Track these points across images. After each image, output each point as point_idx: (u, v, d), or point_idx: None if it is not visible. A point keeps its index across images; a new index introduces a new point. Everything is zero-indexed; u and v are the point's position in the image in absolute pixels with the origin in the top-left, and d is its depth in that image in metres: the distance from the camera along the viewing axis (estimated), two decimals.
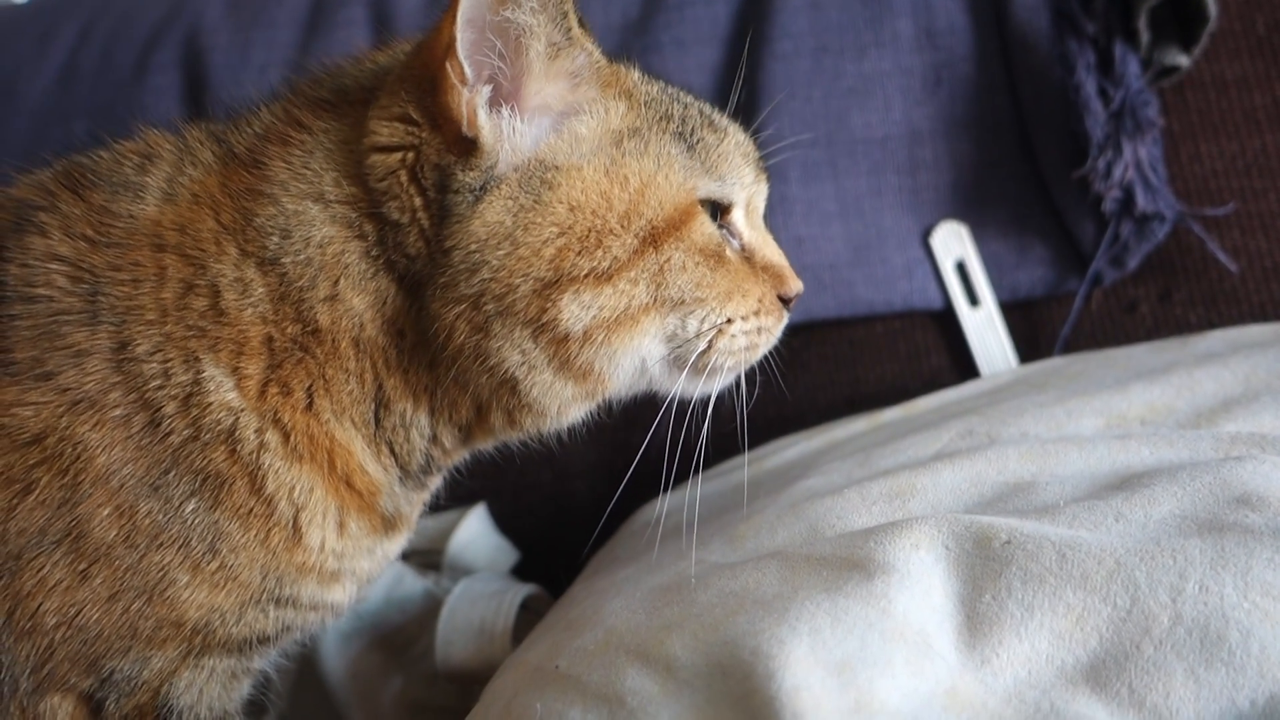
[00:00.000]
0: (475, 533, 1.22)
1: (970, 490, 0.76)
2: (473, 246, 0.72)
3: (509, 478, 1.30)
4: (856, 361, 1.23)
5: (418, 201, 0.73)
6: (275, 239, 0.74)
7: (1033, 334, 1.19)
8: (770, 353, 0.86)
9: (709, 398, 0.81)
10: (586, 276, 0.72)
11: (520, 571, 1.27)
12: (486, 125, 0.72)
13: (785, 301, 0.84)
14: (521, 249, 0.72)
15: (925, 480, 0.77)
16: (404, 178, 0.74)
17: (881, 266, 1.20)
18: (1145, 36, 1.11)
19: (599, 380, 0.77)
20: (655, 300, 0.75)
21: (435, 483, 0.89)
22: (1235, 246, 1.13)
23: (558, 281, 0.72)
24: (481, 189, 0.72)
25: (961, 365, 1.20)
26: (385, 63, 0.82)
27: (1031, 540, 0.61)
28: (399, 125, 0.74)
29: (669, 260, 0.75)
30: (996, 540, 0.62)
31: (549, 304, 0.72)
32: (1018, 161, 1.19)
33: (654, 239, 0.74)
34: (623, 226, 0.73)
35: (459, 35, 0.70)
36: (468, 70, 0.71)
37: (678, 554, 0.81)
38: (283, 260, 0.74)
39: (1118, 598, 0.57)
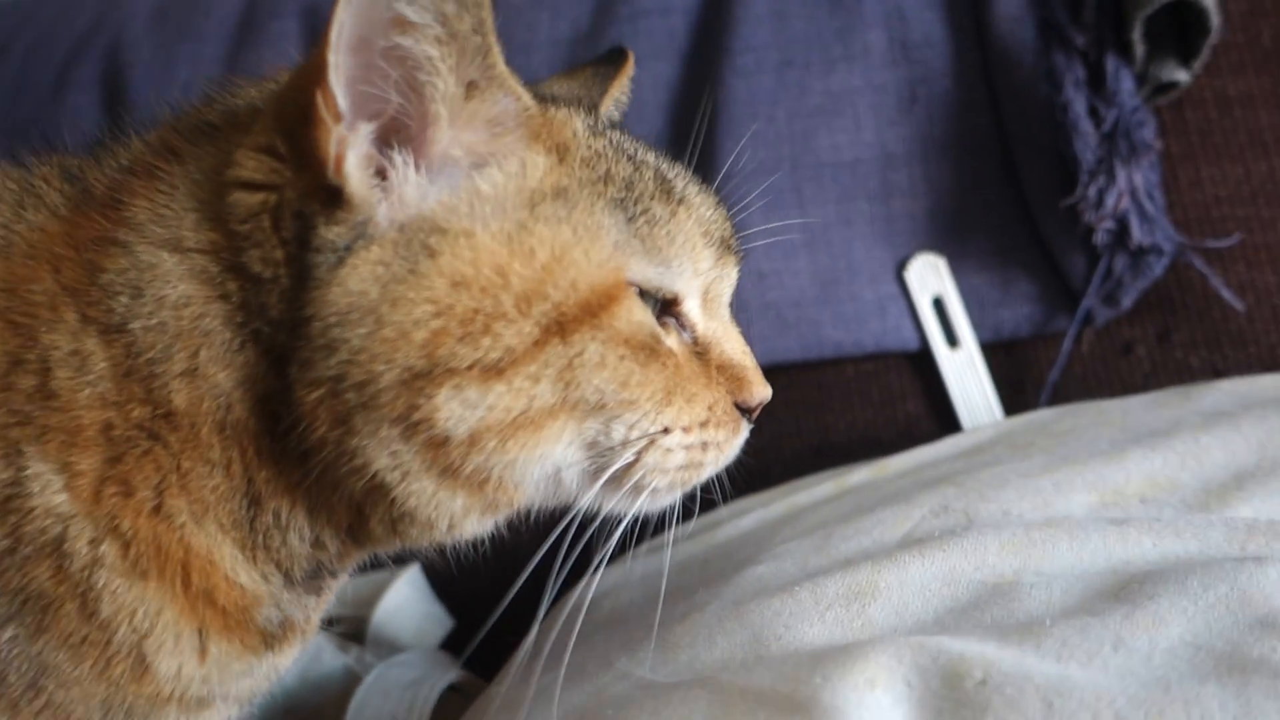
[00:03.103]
0: (404, 600, 1.11)
1: (942, 591, 0.64)
2: (331, 319, 0.59)
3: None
4: (825, 408, 1.13)
5: (279, 254, 0.61)
6: (124, 299, 0.61)
7: (1018, 378, 1.09)
8: None
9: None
10: (470, 369, 0.59)
11: (462, 639, 1.15)
12: (355, 174, 0.59)
13: (746, 411, 0.71)
14: (387, 329, 0.59)
15: (890, 577, 0.66)
16: (266, 223, 0.61)
17: (851, 304, 1.10)
18: (1140, 49, 1.01)
19: (500, 489, 0.63)
20: (565, 402, 0.61)
21: (337, 585, 0.76)
22: (1241, 282, 1.03)
23: (431, 373, 0.59)
24: (347, 249, 0.60)
25: (939, 411, 1.10)
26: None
27: (1012, 681, 0.50)
28: (265, 158, 0.61)
29: (581, 354, 0.61)
30: (969, 679, 0.51)
31: (421, 399, 0.59)
32: (1001, 188, 1.09)
33: (561, 327, 0.61)
34: (519, 311, 0.60)
35: (332, 59, 0.57)
36: (342, 103, 0.58)
37: (603, 660, 0.69)
38: (131, 326, 0.61)
39: None
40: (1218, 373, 1.03)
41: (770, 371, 1.13)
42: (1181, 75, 1.03)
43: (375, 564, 1.18)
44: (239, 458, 0.63)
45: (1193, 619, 0.54)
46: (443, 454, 0.60)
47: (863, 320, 1.10)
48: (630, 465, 0.64)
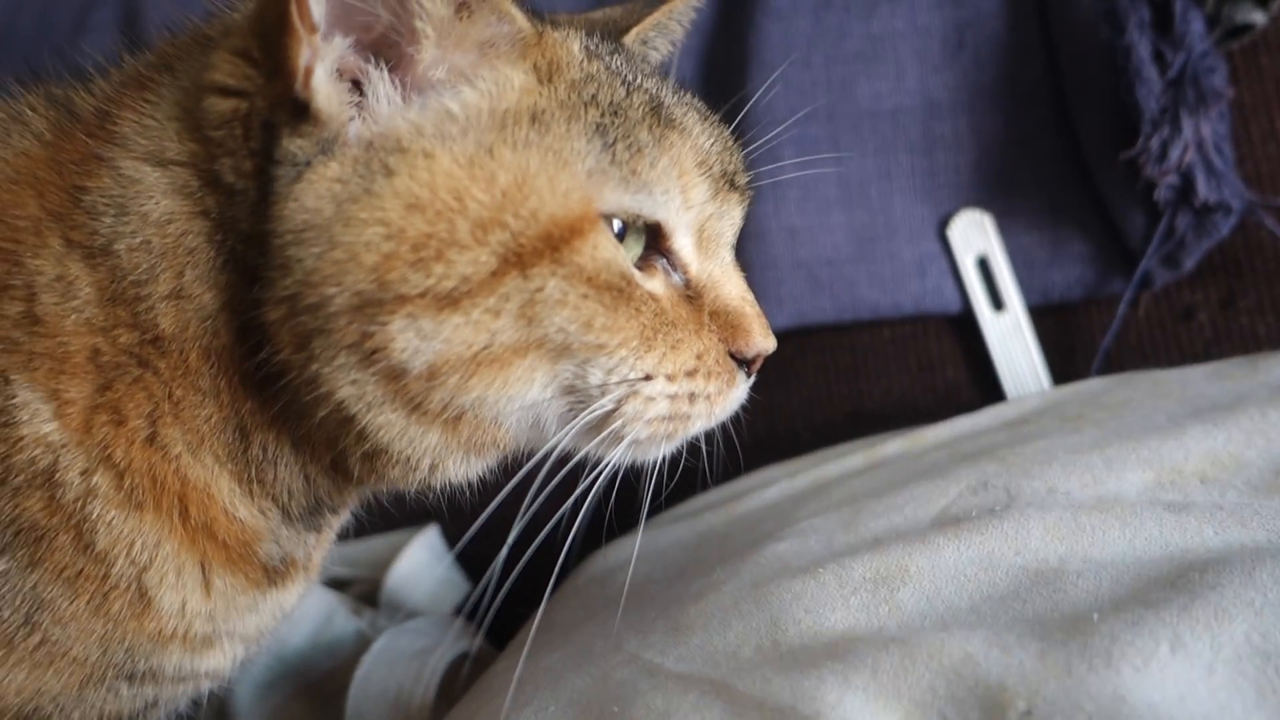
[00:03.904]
0: (419, 564, 1.07)
1: (979, 578, 0.59)
2: (288, 237, 0.57)
3: (469, 492, 1.16)
4: (859, 373, 1.07)
5: (248, 165, 0.59)
6: (108, 220, 0.60)
7: (1068, 344, 1.03)
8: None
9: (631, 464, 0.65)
10: (423, 297, 0.56)
11: (483, 604, 1.12)
12: (324, 88, 0.56)
13: (744, 363, 0.66)
14: (337, 250, 0.56)
15: (922, 561, 0.60)
16: (238, 131, 0.59)
17: (889, 263, 1.04)
18: None
19: (478, 428, 0.60)
20: (531, 340, 0.58)
21: (338, 521, 0.74)
22: None
23: (382, 299, 0.56)
24: (308, 164, 0.57)
25: (982, 380, 1.04)
26: None
27: (1060, 710, 0.44)
28: (240, 63, 0.59)
29: (542, 289, 0.57)
30: (1013, 710, 0.45)
31: (374, 326, 0.56)
32: (1053, 140, 1.03)
33: (521, 260, 0.57)
34: (475, 239, 0.56)
35: None
36: (317, 13, 0.55)
37: (612, 641, 0.65)
38: (115, 247, 0.59)
39: None
40: None
41: (802, 333, 1.09)
42: (1258, 17, 0.95)
43: (393, 523, 1.15)
44: (226, 386, 0.62)
45: (1260, 612, 0.48)
46: (403, 387, 0.58)
47: (901, 280, 1.04)
48: (610, 413, 0.61)
